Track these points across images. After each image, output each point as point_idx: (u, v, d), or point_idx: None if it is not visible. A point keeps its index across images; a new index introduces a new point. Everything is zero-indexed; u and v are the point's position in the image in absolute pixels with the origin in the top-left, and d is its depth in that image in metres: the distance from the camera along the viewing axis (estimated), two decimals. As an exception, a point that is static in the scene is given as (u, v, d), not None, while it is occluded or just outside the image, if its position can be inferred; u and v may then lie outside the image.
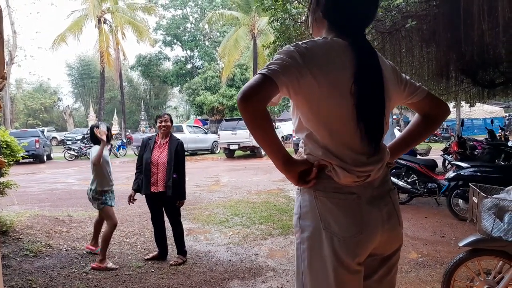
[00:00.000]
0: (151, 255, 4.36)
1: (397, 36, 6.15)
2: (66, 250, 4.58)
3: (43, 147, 19.50)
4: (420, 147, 9.47)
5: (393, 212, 1.42)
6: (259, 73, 1.22)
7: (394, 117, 23.03)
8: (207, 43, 37.62)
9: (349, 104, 1.30)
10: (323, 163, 1.34)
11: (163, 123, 4.28)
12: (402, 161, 6.67)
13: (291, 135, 17.95)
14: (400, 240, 1.46)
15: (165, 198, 4.19)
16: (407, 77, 1.52)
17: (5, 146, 4.42)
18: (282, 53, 1.28)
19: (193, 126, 23.12)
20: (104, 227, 4.35)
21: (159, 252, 4.34)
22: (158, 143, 4.31)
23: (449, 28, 5.30)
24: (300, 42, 1.31)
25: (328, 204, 1.33)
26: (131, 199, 4.30)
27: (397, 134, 12.42)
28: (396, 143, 1.61)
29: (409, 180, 6.63)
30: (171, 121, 4.36)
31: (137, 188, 4.29)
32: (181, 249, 4.28)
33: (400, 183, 6.53)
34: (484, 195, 2.56)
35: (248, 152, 19.12)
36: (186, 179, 4.55)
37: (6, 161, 4.21)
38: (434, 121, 1.56)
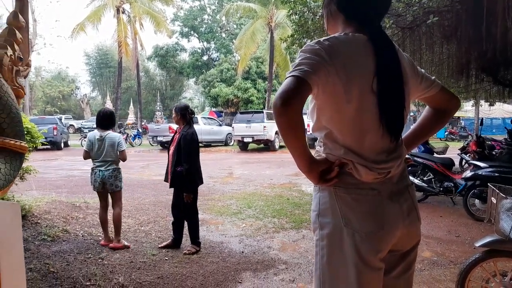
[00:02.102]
0: (164, 243, 4.43)
1: (417, 32, 6.05)
2: (82, 236, 4.67)
3: (61, 134, 19.87)
4: (437, 145, 9.35)
5: (413, 207, 1.42)
6: (291, 76, 1.21)
7: (411, 114, 22.74)
8: (223, 35, 37.60)
9: (371, 102, 1.30)
10: (343, 161, 1.34)
11: (173, 116, 4.41)
12: (418, 159, 6.60)
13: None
14: (419, 235, 1.47)
15: (177, 190, 4.31)
16: (423, 71, 1.52)
17: (25, 132, 4.52)
18: (307, 51, 1.27)
19: (208, 118, 23.21)
20: (109, 215, 4.46)
21: (173, 240, 4.40)
22: (176, 135, 4.39)
23: (471, 24, 5.19)
24: (322, 39, 1.31)
25: (349, 200, 1.33)
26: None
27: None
28: (408, 137, 1.62)
29: (425, 178, 6.56)
30: (177, 114, 4.34)
31: None
32: (195, 239, 4.32)
33: (416, 181, 6.47)
34: (504, 195, 2.52)
35: (262, 145, 19.13)
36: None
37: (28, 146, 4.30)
38: (445, 115, 1.57)
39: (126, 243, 4.38)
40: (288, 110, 1.18)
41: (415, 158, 6.62)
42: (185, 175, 4.15)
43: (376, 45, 1.33)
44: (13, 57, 1.93)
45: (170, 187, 4.39)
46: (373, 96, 1.29)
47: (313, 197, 1.46)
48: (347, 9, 1.41)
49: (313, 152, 1.40)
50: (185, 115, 4.33)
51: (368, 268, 1.31)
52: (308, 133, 12.33)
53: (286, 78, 1.23)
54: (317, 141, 1.46)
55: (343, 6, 1.41)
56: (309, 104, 1.43)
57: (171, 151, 4.36)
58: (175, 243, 4.39)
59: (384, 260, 1.36)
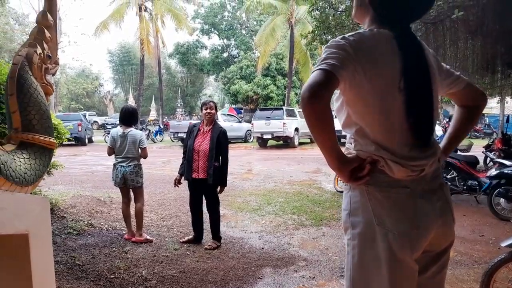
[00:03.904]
0: (186, 238, 4.48)
1: (441, 27, 5.91)
2: (107, 230, 4.77)
3: (85, 130, 20.28)
4: (461, 143, 9.13)
5: (446, 206, 1.39)
6: (319, 69, 1.20)
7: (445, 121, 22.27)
8: (243, 32, 37.61)
9: (399, 100, 1.28)
10: (375, 158, 1.31)
11: (208, 110, 4.35)
12: (441, 157, 6.46)
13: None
14: (453, 235, 1.43)
15: (206, 185, 4.30)
16: (447, 67, 1.50)
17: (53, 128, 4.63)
18: (333, 46, 1.26)
19: (228, 114, 23.28)
20: (131, 210, 4.55)
21: (195, 236, 4.44)
22: (202, 130, 4.39)
23: (498, 19, 5.04)
24: (347, 35, 1.29)
25: (381, 198, 1.31)
26: (177, 182, 4.47)
27: (437, 128, 11.97)
28: (446, 141, 1.59)
29: (448, 177, 6.42)
30: (216, 109, 4.44)
31: (182, 172, 4.43)
32: (216, 235, 4.36)
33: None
34: (531, 195, 2.45)
35: (281, 142, 19.09)
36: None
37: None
38: (474, 111, 1.54)
39: (148, 237, 4.45)
40: (316, 102, 1.17)
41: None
42: (224, 169, 4.28)
43: (403, 44, 1.30)
44: (42, 55, 1.98)
45: (206, 183, 4.25)
46: (400, 95, 1.27)
47: (343, 196, 1.44)
48: (379, 7, 1.38)
49: (343, 149, 1.39)
50: (216, 111, 4.46)
51: (402, 268, 1.28)
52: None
53: (312, 72, 1.22)
54: (348, 138, 1.45)
55: (375, 4, 1.39)
56: (335, 102, 1.41)
57: (203, 147, 4.26)
58: (197, 239, 4.43)
59: (418, 260, 1.33)
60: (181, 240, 4.47)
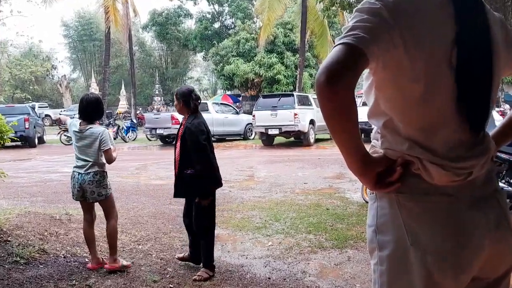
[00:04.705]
0: (182, 254, 4.64)
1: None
2: (64, 257, 4.77)
3: (34, 127, 20.33)
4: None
5: (503, 218, 1.37)
6: (342, 43, 1.19)
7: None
8: (240, -6, 37.65)
9: (447, 80, 1.27)
10: (408, 159, 1.31)
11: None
12: (503, 155, 6.45)
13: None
14: None
15: (188, 200, 4.40)
16: None
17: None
18: (364, 10, 1.24)
19: (221, 103, 23.34)
20: (100, 228, 4.54)
21: (190, 255, 4.55)
22: (181, 128, 4.41)
23: None
24: None
25: (417, 210, 1.31)
26: None
27: (496, 117, 11.94)
28: (502, 129, 1.57)
29: None
30: (180, 100, 4.36)
31: None
32: (208, 262, 4.36)
33: (500, 184, 6.33)
34: None
35: (292, 138, 19.09)
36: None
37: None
38: None
39: (125, 262, 4.46)
40: (336, 89, 1.16)
41: (498, 154, 6.47)
42: (198, 179, 4.18)
43: (458, 4, 1.29)
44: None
45: (175, 196, 4.48)
46: (451, 72, 1.26)
47: (368, 208, 1.44)
48: None
49: (367, 147, 1.38)
50: (189, 102, 4.32)
51: None
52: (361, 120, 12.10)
53: (334, 47, 1.21)
54: (373, 132, 1.44)
55: None
56: (364, 81, 1.41)
57: (177, 150, 4.41)
58: (193, 259, 4.50)
59: None
60: (176, 256, 4.61)
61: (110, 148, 4.37)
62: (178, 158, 4.35)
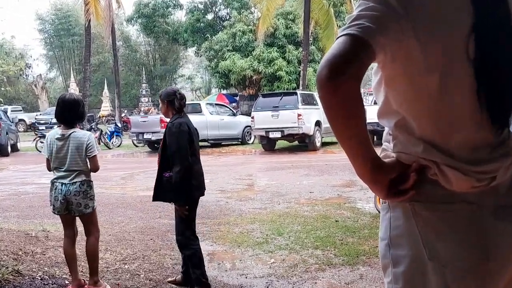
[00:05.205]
0: (174, 278, 4.66)
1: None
2: (41, 279, 4.76)
3: (7, 133, 20.33)
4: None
5: None
6: (345, 34, 1.20)
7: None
8: (236, -18, 37.76)
9: (464, 72, 1.26)
10: (424, 164, 1.31)
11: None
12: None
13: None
14: None
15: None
16: None
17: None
18: None
19: (216, 104, 23.37)
20: (81, 245, 4.54)
21: (182, 275, 4.55)
22: None
23: None
24: None
25: (434, 220, 1.31)
26: None
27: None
28: None
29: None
30: (166, 102, 4.43)
31: None
32: (199, 279, 4.29)
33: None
34: None
35: (296, 142, 19.10)
36: (206, 181, 4.64)
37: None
38: None
39: (108, 287, 4.47)
40: (339, 85, 1.16)
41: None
42: (175, 182, 4.20)
43: None
44: None
45: (153, 199, 4.54)
46: (468, 63, 1.26)
47: (381, 219, 1.44)
48: None
49: (378, 151, 1.37)
50: (173, 102, 4.38)
51: None
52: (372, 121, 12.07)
53: (337, 38, 1.21)
54: (385, 133, 1.44)
55: None
56: (373, 77, 1.41)
57: (159, 151, 4.50)
58: (187, 281, 4.46)
59: None
60: (167, 280, 4.62)
61: (96, 155, 4.40)
62: (159, 159, 4.41)
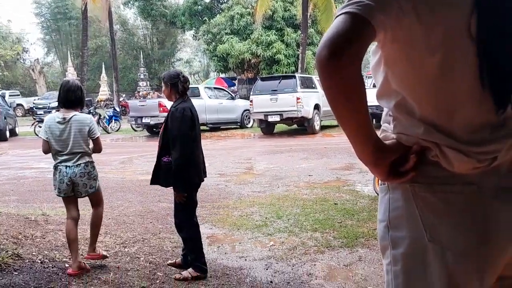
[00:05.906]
0: (174, 260, 4.67)
1: None
2: (41, 263, 4.78)
3: (5, 118, 20.27)
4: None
5: None
6: (344, 13, 1.18)
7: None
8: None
9: (466, 51, 1.25)
10: (425, 145, 1.30)
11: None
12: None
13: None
14: None
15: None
16: None
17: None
18: None
19: (214, 88, 23.28)
20: (81, 229, 4.58)
21: (183, 258, 4.57)
22: None
23: None
24: None
25: (434, 202, 1.30)
26: None
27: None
28: None
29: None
30: (169, 84, 4.42)
31: None
32: (193, 262, 4.34)
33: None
34: None
35: (295, 126, 19.07)
36: (206, 164, 4.67)
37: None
38: None
39: (104, 253, 4.64)
40: (340, 65, 1.15)
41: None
42: (174, 168, 4.21)
43: None
44: None
45: (151, 183, 4.56)
46: (471, 42, 1.24)
47: (379, 201, 1.44)
48: None
49: (378, 133, 1.37)
50: (177, 85, 4.35)
51: None
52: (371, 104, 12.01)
53: (336, 17, 1.20)
54: (384, 114, 1.44)
55: None
56: (371, 57, 1.40)
57: (160, 135, 4.50)
58: (187, 264, 4.47)
59: None
60: (168, 262, 4.64)
61: (99, 136, 4.50)
62: (160, 143, 4.42)
